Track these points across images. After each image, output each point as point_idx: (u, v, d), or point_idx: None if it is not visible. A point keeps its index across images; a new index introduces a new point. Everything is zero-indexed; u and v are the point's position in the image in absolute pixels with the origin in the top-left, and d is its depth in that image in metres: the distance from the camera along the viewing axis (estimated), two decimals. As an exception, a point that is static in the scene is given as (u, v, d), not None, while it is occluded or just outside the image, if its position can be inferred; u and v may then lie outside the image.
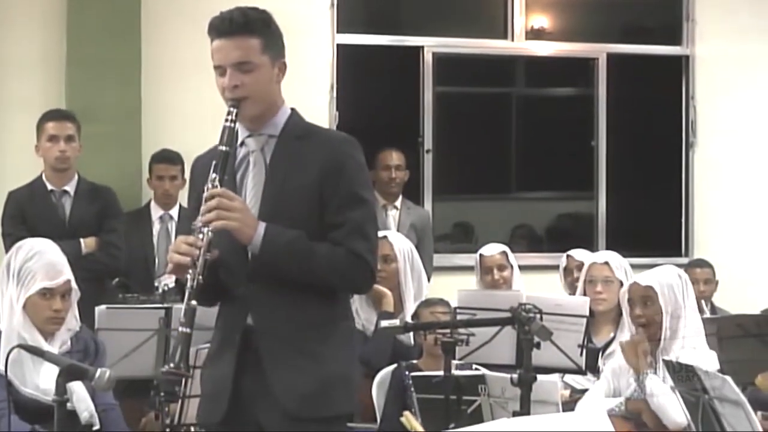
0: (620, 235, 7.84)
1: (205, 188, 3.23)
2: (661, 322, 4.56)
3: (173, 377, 3.16)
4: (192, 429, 4.78)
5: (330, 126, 7.05)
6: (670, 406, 4.27)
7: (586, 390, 4.94)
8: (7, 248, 5.47)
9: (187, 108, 6.84)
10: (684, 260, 7.36)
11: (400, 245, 5.71)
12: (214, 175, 3.24)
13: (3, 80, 6.77)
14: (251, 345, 3.29)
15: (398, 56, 7.68)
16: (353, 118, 7.26)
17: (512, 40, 7.78)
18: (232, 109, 3.28)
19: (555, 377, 4.80)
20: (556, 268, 6.46)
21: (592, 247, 7.21)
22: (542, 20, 7.90)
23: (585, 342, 4.93)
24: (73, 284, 4.36)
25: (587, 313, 5.00)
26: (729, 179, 7.95)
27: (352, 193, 3.31)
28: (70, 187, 6.12)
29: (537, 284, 6.40)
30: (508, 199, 8.22)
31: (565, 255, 6.33)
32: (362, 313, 5.53)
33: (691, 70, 7.96)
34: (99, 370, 3.24)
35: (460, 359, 4.89)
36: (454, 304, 5.14)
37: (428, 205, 7.57)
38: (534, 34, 7.84)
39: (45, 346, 4.16)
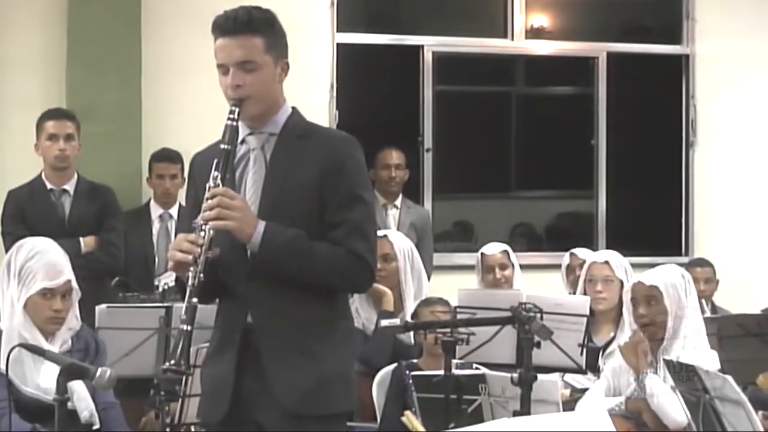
0: (620, 234, 7.84)
1: (207, 186, 3.24)
2: (664, 322, 4.56)
3: (174, 374, 3.16)
4: (192, 428, 4.79)
5: (330, 125, 7.06)
6: (671, 405, 4.27)
7: (586, 389, 4.93)
8: (7, 247, 5.48)
9: (187, 107, 6.84)
10: (684, 259, 7.36)
11: (400, 244, 5.70)
12: (215, 174, 3.24)
13: (3, 79, 6.77)
14: (251, 344, 3.29)
15: (398, 55, 7.68)
16: (353, 117, 7.26)
17: (512, 39, 7.78)
18: (234, 108, 3.28)
19: (555, 376, 4.80)
20: (555, 267, 6.46)
21: (592, 246, 7.21)
22: (542, 19, 7.90)
23: (585, 341, 4.93)
24: (74, 284, 4.36)
25: (587, 313, 5.00)
26: (729, 178, 7.95)
27: (351, 192, 3.31)
28: (70, 186, 6.12)
29: (537, 283, 6.39)
30: (507, 198, 8.22)
31: (568, 253, 6.31)
32: (362, 312, 5.53)
33: (691, 69, 7.96)
34: (99, 369, 3.25)
35: (460, 358, 4.89)
36: (454, 303, 5.14)
37: (428, 204, 7.57)
38: (534, 33, 7.84)
39: (46, 345, 4.16)
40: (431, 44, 7.63)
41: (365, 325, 5.50)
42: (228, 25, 3.29)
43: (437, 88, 7.64)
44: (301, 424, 3.25)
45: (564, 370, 5.01)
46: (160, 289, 5.78)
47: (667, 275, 4.65)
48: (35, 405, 4.10)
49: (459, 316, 4.92)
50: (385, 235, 5.66)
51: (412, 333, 5.20)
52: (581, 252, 6.22)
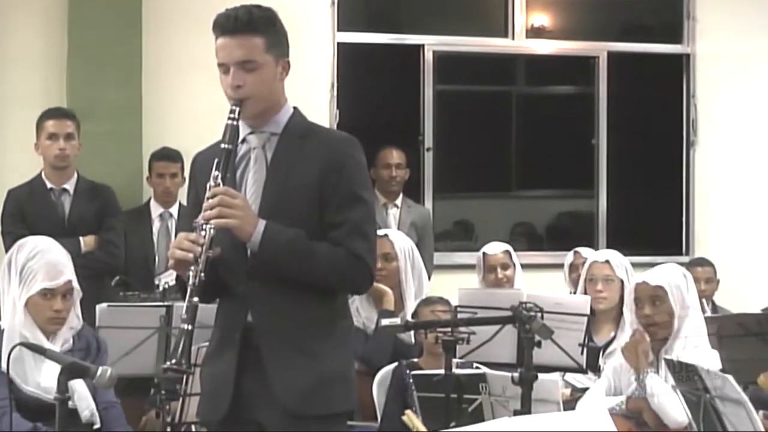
0: (621, 233, 7.84)
1: (208, 186, 3.23)
2: (667, 322, 4.55)
3: (174, 373, 3.15)
4: (193, 427, 4.79)
5: (330, 124, 7.06)
6: (671, 405, 4.26)
7: (587, 389, 4.93)
8: (7, 246, 5.49)
9: (187, 106, 6.84)
10: (685, 259, 7.36)
11: (401, 243, 5.70)
12: (216, 173, 3.23)
13: (3, 78, 6.77)
14: (251, 343, 3.29)
15: (399, 55, 7.67)
16: (354, 117, 7.26)
17: (513, 38, 7.77)
18: (234, 107, 3.28)
19: (556, 376, 4.80)
20: (555, 266, 6.46)
21: (592, 245, 7.21)
22: (543, 18, 7.90)
23: (586, 341, 4.93)
24: (75, 284, 4.35)
25: (588, 312, 5.00)
26: (730, 177, 7.95)
27: (351, 192, 3.31)
28: (70, 186, 6.12)
29: (537, 283, 6.39)
30: (508, 197, 8.21)
31: (572, 251, 6.31)
32: (363, 312, 5.53)
33: (692, 69, 7.96)
34: (100, 368, 3.25)
35: (460, 358, 4.89)
36: (454, 302, 5.14)
37: (429, 203, 7.57)
38: (534, 33, 7.83)
39: (47, 344, 4.16)
40: (432, 43, 7.63)
41: (366, 325, 5.50)
42: (229, 24, 3.28)
43: (438, 87, 7.64)
44: (301, 424, 3.25)
45: (564, 369, 5.01)
46: (161, 288, 5.78)
47: (671, 275, 4.64)
48: (36, 404, 4.10)
49: (459, 316, 4.92)
50: (386, 235, 5.66)
51: (412, 332, 5.20)
52: (585, 251, 6.21)
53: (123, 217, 6.29)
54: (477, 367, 4.84)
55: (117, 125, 6.68)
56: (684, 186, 8.03)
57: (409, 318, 5.18)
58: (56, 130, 6.03)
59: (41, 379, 4.13)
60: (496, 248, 6.21)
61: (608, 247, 6.98)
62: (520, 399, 3.97)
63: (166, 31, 6.90)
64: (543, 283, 6.47)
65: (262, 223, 3.24)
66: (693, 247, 7.94)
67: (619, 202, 7.96)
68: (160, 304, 5.13)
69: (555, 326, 4.24)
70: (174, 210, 6.56)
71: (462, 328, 4.49)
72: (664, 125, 8.11)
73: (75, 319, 4.37)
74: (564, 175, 8.08)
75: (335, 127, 6.95)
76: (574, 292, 5.79)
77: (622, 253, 5.77)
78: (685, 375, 3.57)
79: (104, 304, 5.00)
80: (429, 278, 6.25)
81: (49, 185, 6.10)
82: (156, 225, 6.57)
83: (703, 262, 6.88)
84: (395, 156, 7.10)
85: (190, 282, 3.16)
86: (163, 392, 4.54)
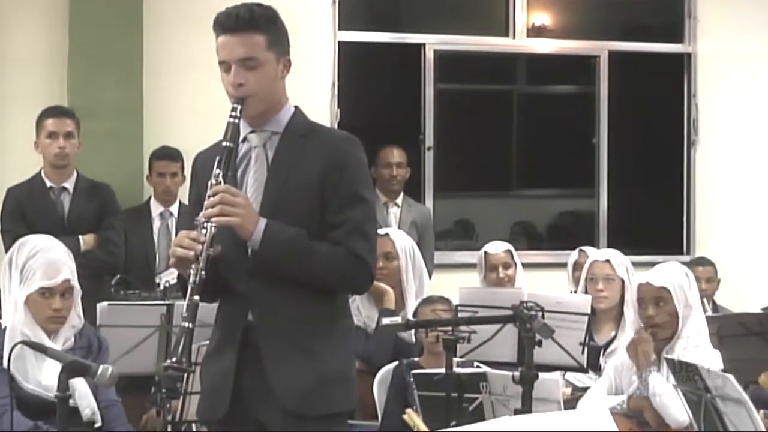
0: (621, 232, 7.84)
1: (209, 184, 3.23)
2: (669, 323, 4.54)
3: (175, 372, 3.15)
4: (193, 426, 4.79)
5: (331, 123, 7.06)
6: (673, 404, 4.26)
7: (587, 388, 4.93)
8: (6, 245, 5.49)
9: (188, 105, 6.85)
10: (686, 258, 7.35)
11: (402, 242, 5.70)
12: (217, 171, 3.23)
13: (4, 77, 6.77)
14: (251, 342, 3.29)
15: (399, 53, 7.67)
16: (354, 116, 7.26)
17: (513, 37, 7.77)
18: (236, 105, 3.28)
19: (557, 375, 4.79)
20: (556, 265, 6.46)
21: (593, 244, 7.20)
22: (543, 17, 7.90)
23: (587, 340, 4.93)
24: (74, 283, 4.35)
25: (589, 311, 4.99)
26: (731, 177, 7.95)
27: (352, 192, 3.31)
28: (69, 184, 6.12)
29: (537, 282, 6.38)
30: (509, 196, 8.22)
31: (577, 249, 6.30)
32: (363, 311, 5.53)
33: (693, 68, 7.96)
34: (101, 367, 3.25)
35: (461, 357, 4.88)
36: (455, 301, 5.14)
37: (429, 202, 7.57)
38: (535, 32, 7.83)
39: (48, 342, 4.16)
40: (433, 42, 7.63)
41: (366, 324, 5.50)
42: (230, 23, 3.28)
43: (438, 86, 7.63)
44: (301, 423, 3.25)
45: (565, 368, 5.01)
46: (162, 287, 5.78)
47: (674, 275, 4.61)
48: (37, 402, 4.11)
49: (460, 315, 4.92)
50: (387, 234, 5.66)
51: (413, 331, 5.20)
52: (590, 250, 6.20)
53: (122, 216, 6.29)
54: (478, 366, 4.83)
55: (117, 124, 6.68)
56: (685, 185, 8.02)
57: (409, 317, 5.17)
58: (56, 129, 6.03)
59: (42, 377, 4.14)
60: (497, 247, 6.21)
61: (609, 246, 6.98)
62: (521, 398, 3.97)
63: (167, 30, 6.90)
64: (543, 283, 6.46)
65: (263, 222, 3.23)
66: (694, 246, 7.94)
67: (619, 202, 7.95)
68: (161, 302, 5.13)
69: (556, 325, 4.24)
70: (174, 209, 6.56)
71: (463, 327, 4.49)
72: (665, 124, 8.11)
73: (76, 318, 4.38)
74: (565, 175, 8.08)
75: (336, 126, 6.95)
76: (576, 291, 5.79)
77: (623, 252, 5.76)
78: (686, 374, 3.57)
79: (105, 303, 5.00)
80: (430, 277, 6.25)
81: (48, 184, 6.10)
82: (156, 224, 6.57)
83: (704, 261, 6.88)
84: (396, 155, 7.10)
85: (191, 280, 3.16)
86: (163, 390, 4.54)
